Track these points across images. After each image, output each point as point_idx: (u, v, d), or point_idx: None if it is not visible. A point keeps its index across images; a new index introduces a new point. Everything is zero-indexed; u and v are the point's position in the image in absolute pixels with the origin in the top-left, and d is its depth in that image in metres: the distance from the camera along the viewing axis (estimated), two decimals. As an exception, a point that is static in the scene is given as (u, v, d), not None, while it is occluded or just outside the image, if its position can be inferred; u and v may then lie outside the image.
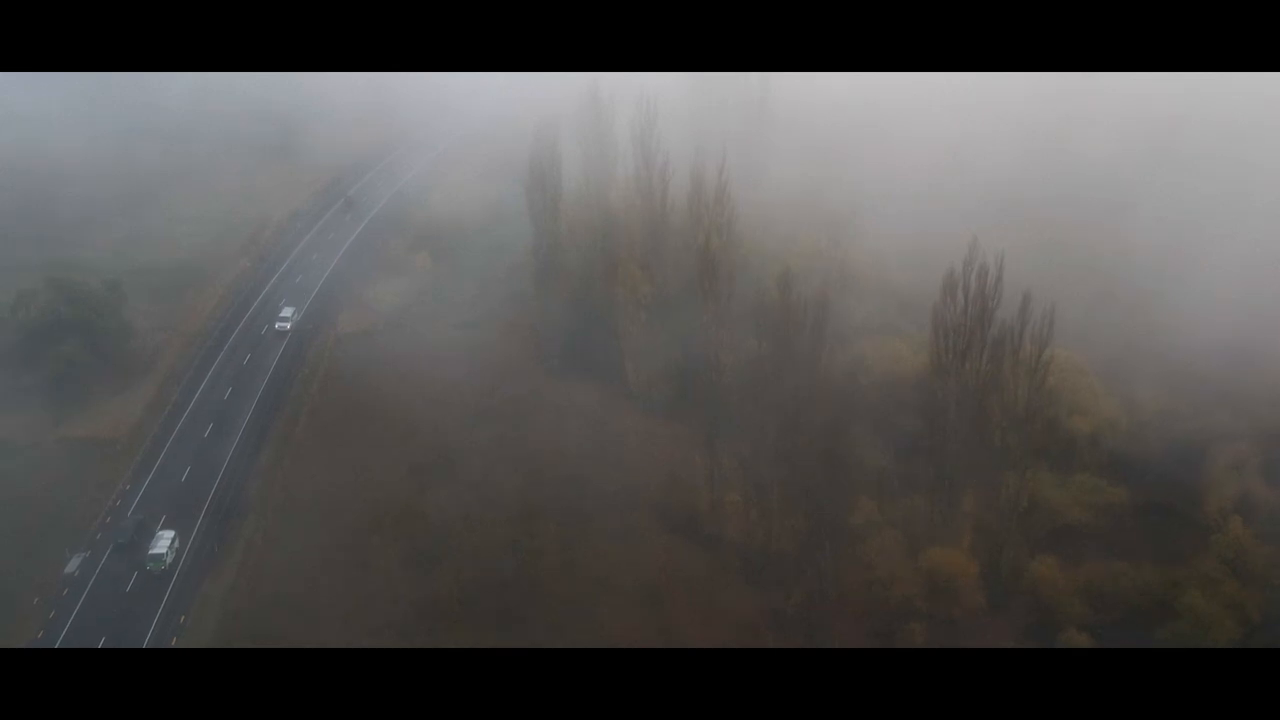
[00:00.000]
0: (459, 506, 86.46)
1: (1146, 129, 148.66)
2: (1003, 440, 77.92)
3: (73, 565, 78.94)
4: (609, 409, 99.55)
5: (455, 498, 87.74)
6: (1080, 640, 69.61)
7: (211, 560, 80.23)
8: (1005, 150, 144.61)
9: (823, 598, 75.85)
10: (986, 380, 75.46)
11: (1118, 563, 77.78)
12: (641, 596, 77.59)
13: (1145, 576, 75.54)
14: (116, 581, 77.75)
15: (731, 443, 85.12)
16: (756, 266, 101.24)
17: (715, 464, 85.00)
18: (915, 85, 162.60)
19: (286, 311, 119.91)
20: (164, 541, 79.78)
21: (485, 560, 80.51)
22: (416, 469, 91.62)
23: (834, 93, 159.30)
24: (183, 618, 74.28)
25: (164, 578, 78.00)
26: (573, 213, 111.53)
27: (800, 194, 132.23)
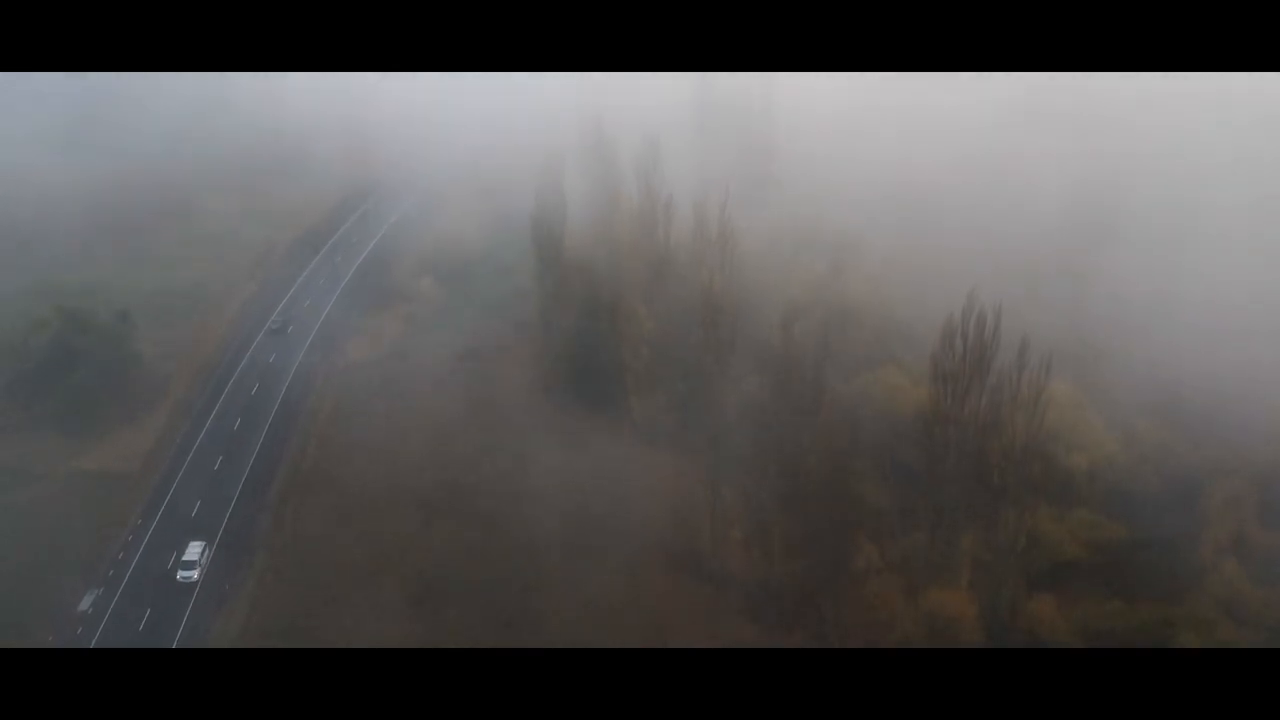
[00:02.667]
0: (463, 541, 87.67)
1: (1132, 159, 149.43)
2: (1001, 479, 78.96)
3: (86, 602, 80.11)
4: (613, 443, 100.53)
5: (459, 532, 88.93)
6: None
7: (223, 597, 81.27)
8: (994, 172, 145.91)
9: (824, 637, 77.02)
10: (985, 422, 76.52)
11: (1114, 600, 78.88)
12: (645, 634, 78.61)
13: (1141, 615, 76.58)
14: (130, 619, 78.82)
15: (735, 479, 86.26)
16: (758, 297, 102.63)
17: (717, 500, 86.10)
18: (905, 108, 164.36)
19: (193, 550, 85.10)
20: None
21: (489, 597, 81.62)
22: (421, 503, 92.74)
23: (831, 109, 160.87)
24: (195, 656, 75.34)
25: (176, 615, 79.13)
26: (576, 246, 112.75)
27: (801, 216, 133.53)
